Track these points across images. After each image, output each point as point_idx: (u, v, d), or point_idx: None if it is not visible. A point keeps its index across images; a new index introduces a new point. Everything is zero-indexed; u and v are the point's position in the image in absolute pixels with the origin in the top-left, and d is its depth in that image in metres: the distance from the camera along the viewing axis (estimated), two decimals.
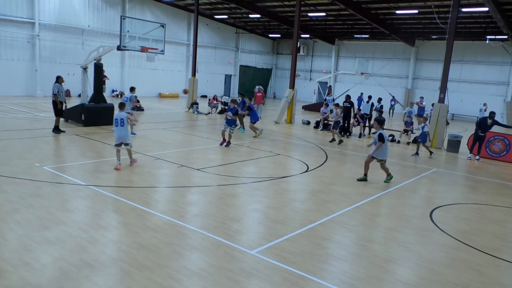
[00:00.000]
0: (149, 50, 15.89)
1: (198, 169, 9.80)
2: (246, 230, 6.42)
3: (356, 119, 18.37)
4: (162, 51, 16.55)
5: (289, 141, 15.75)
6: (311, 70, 38.84)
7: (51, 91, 13.08)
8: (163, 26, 16.75)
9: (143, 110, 21.07)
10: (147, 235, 5.83)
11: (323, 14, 27.56)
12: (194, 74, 24.93)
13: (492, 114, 14.07)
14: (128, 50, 16.07)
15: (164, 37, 16.76)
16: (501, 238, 6.97)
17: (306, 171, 10.63)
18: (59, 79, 13.16)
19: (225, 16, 33.29)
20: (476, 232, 7.15)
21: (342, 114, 16.72)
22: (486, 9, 20.01)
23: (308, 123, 20.66)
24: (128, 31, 15.40)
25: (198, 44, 25.65)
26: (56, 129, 13.11)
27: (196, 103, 22.22)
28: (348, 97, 18.33)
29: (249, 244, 5.83)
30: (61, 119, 13.83)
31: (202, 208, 7.34)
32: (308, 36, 35.56)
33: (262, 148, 13.19)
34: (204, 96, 31.12)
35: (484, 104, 26.39)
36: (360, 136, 17.70)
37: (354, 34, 33.52)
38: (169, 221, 6.42)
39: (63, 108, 13.46)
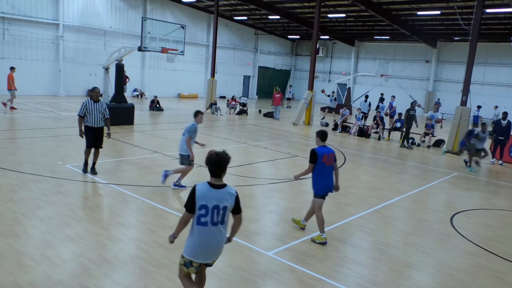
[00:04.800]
0: (169, 51, 16.10)
1: None
2: (263, 231, 6.42)
3: (375, 121, 18.17)
4: (182, 52, 16.74)
5: (307, 143, 15.69)
6: (330, 72, 38.60)
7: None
8: (183, 27, 16.95)
9: (162, 110, 21.34)
10: (165, 233, 5.89)
11: (343, 15, 27.35)
12: (213, 75, 25.10)
13: (504, 114, 13.87)
14: (148, 51, 16.31)
15: (184, 38, 16.95)
16: None
17: None
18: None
19: (245, 17, 33.40)
20: (499, 238, 6.98)
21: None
22: (511, 10, 19.51)
23: (327, 124, 20.54)
24: (149, 32, 15.65)
25: (217, 45, 25.83)
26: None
27: (215, 104, 22.36)
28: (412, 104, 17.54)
29: (266, 245, 5.84)
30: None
31: None
32: (327, 37, 35.36)
33: (280, 150, 13.18)
34: (223, 97, 31.29)
35: (496, 107, 25.48)
36: (379, 138, 17.49)
37: (374, 35, 33.15)
38: None
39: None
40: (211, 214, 3.53)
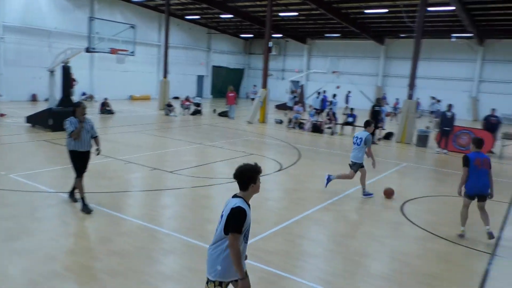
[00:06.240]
0: (119, 52, 15.60)
1: (171, 172, 9.70)
2: None
3: (328, 117, 18.62)
4: (132, 52, 16.29)
5: (262, 141, 15.80)
6: (283, 70, 39.07)
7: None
8: (133, 27, 16.49)
9: (113, 113, 20.65)
10: (119, 240, 5.72)
11: (295, 13, 27.76)
12: (165, 76, 24.65)
13: (449, 107, 14.85)
14: (97, 52, 15.73)
15: (134, 38, 16.50)
16: (468, 228, 7.20)
17: (280, 169, 10.69)
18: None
19: (197, 17, 33.05)
20: (445, 222, 7.38)
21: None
22: (452, 8, 20.65)
23: (281, 122, 20.79)
24: (97, 32, 15.07)
25: (169, 45, 25.38)
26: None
27: (171, 105, 21.93)
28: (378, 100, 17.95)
29: None
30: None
31: (176, 210, 7.27)
32: (280, 35, 35.75)
33: (235, 149, 13.18)
34: (176, 98, 30.75)
35: (433, 98, 26.95)
36: (332, 133, 17.93)
37: (326, 33, 33.93)
38: (142, 226, 6.32)
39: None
40: (219, 222, 3.32)
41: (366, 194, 8.58)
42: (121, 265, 4.99)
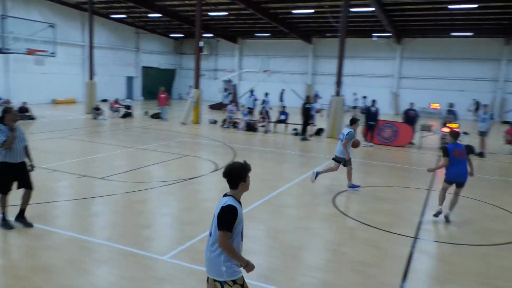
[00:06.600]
0: (37, 53, 14.56)
1: (101, 178, 9.25)
2: (157, 236, 6.23)
3: (262, 116, 18.91)
4: (53, 53, 15.34)
5: (197, 141, 15.65)
6: (216, 69, 38.98)
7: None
8: (52, 26, 15.53)
9: (34, 118, 19.20)
10: (46, 255, 5.34)
11: (225, 13, 27.78)
12: (91, 77, 23.43)
13: (373, 102, 15.85)
14: (12, 53, 14.56)
15: (55, 38, 15.51)
16: (394, 215, 7.74)
17: (216, 170, 10.67)
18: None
19: (123, 16, 31.80)
20: (373, 212, 7.84)
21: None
22: (372, 9, 21.96)
23: (215, 122, 20.73)
24: (11, 32, 13.96)
25: (94, 45, 24.12)
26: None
27: (99, 108, 20.87)
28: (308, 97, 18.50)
29: (161, 250, 5.67)
30: None
31: (108, 218, 6.95)
32: (211, 35, 35.59)
33: (169, 151, 12.90)
34: (105, 100, 29.36)
35: (355, 94, 29.31)
36: (266, 132, 18.23)
37: (256, 33, 34.40)
38: (72, 237, 5.96)
39: None
40: (212, 223, 3.39)
41: (353, 186, 9.13)
42: (48, 282, 4.67)
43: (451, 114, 16.51)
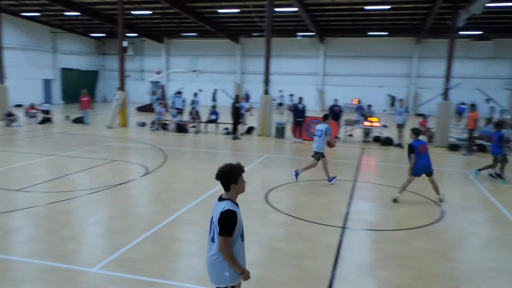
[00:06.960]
0: None
1: (18, 190, 8.51)
2: (84, 247, 5.88)
3: (192, 116, 18.68)
4: None
5: (124, 145, 15.03)
6: (142, 70, 37.73)
7: None
8: None
9: None
10: None
11: (149, 12, 26.96)
12: (2, 81, 21.46)
13: (299, 99, 16.45)
14: None
15: None
16: (325, 207, 8.07)
17: (146, 174, 10.33)
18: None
19: (36, 14, 29.48)
20: (304, 206, 8.11)
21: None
22: (295, 9, 22.64)
23: (144, 124, 20.07)
24: None
25: (3, 46, 22.10)
26: None
27: (12, 114, 19.15)
28: (237, 96, 18.50)
29: (89, 261, 5.36)
30: None
31: (28, 233, 6.42)
32: (135, 35, 34.34)
33: (95, 156, 12.24)
34: (19, 105, 27.02)
35: (280, 91, 30.33)
36: (197, 132, 18.04)
37: (182, 32, 33.82)
38: None
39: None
40: (210, 228, 3.37)
41: (331, 179, 9.67)
42: None
43: (358, 109, 17.99)
